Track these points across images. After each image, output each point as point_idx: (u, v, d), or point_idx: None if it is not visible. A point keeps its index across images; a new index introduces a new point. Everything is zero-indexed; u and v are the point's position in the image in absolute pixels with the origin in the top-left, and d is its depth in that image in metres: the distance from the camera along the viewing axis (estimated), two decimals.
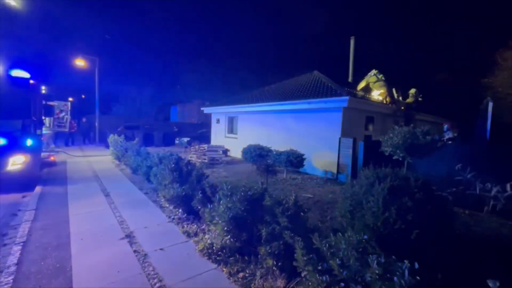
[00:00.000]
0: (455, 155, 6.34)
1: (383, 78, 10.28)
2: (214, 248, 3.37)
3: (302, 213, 2.94)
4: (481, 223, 4.63)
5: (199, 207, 4.16)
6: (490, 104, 11.47)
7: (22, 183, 6.23)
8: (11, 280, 2.74)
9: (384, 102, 10.13)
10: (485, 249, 3.67)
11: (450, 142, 8.50)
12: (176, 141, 18.27)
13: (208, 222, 3.77)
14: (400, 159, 5.49)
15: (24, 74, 6.64)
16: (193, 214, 4.53)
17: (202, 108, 17.19)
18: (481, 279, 1.95)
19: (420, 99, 10.51)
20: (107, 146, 13.51)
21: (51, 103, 8.59)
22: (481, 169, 5.46)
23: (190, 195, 4.48)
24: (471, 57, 22.16)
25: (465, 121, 15.45)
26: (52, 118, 13.92)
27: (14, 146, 6.17)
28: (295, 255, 2.40)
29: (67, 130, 15.86)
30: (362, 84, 10.91)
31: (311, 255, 2.25)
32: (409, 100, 10.58)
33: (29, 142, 6.49)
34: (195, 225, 4.21)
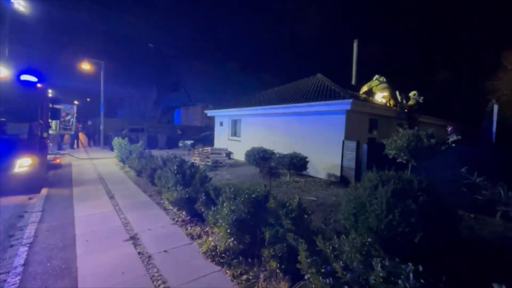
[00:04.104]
0: (460, 159, 6.28)
1: (384, 80, 10.27)
2: (217, 250, 3.38)
3: (305, 216, 2.94)
4: (488, 226, 4.57)
5: (203, 210, 4.18)
6: (495, 107, 11.35)
7: (29, 185, 6.31)
8: (18, 281, 2.78)
9: (388, 104, 10.11)
10: (491, 252, 3.62)
11: (454, 145, 8.41)
12: (180, 144, 18.38)
13: (211, 225, 3.79)
14: (404, 162, 5.46)
15: (32, 78, 6.77)
16: (196, 217, 4.55)
17: (205, 111, 17.31)
18: (487, 282, 1.93)
19: (421, 101, 10.46)
20: (112, 149, 13.65)
21: (57, 106, 8.71)
22: (488, 172, 5.39)
23: (194, 197, 4.50)
24: (476, 60, 22.01)
25: (470, 124, 15.31)
26: (58, 121, 14.13)
27: (21, 148, 6.28)
28: (298, 257, 2.41)
29: (72, 132, 16.09)
30: (364, 89, 10.90)
31: (314, 258, 2.25)
32: (411, 102, 10.55)
33: (36, 144, 6.60)
34: (199, 228, 4.23)
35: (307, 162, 8.13)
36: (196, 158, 11.37)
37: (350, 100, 7.94)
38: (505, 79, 16.71)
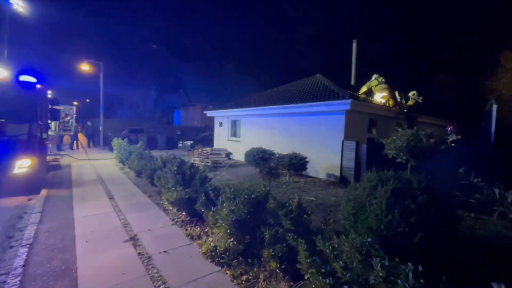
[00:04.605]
0: (460, 158, 6.30)
1: (383, 80, 10.29)
2: (217, 250, 3.38)
3: (305, 216, 2.95)
4: (487, 226, 4.58)
5: (203, 210, 4.17)
6: (494, 107, 11.37)
7: (28, 186, 6.30)
8: (18, 282, 2.77)
9: (387, 104, 10.13)
10: (490, 252, 3.63)
11: (453, 144, 8.44)
12: (180, 145, 18.39)
13: (211, 225, 3.79)
14: (404, 162, 5.47)
15: (31, 79, 6.77)
16: (196, 217, 4.55)
17: (205, 112, 17.31)
18: (486, 281, 1.94)
19: (420, 101, 10.48)
20: (111, 150, 13.65)
21: (57, 107, 8.70)
22: (486, 172, 5.40)
23: (194, 198, 4.50)
24: (475, 59, 22.05)
25: (469, 124, 15.33)
26: (57, 122, 14.13)
27: (20, 149, 6.27)
28: (298, 257, 2.41)
29: (72, 133, 16.07)
30: (363, 89, 10.93)
31: (314, 258, 2.26)
32: (411, 102, 10.58)
33: (35, 145, 6.59)
34: (199, 228, 4.23)
35: (307, 162, 8.14)
36: (195, 158, 11.37)
37: (349, 100, 7.96)
38: (504, 79, 16.75)
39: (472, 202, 5.11)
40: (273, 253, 2.80)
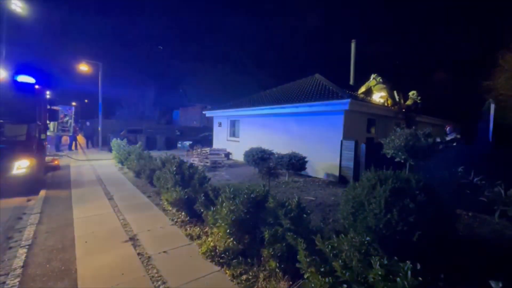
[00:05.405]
0: (458, 157, 6.32)
1: (381, 80, 10.33)
2: (217, 250, 3.39)
3: (304, 215, 2.96)
4: (487, 225, 4.60)
5: (202, 210, 4.18)
6: (492, 106, 11.42)
7: (27, 187, 6.29)
8: (17, 283, 2.77)
9: (386, 104, 10.16)
10: (489, 250, 3.65)
11: (455, 144, 8.47)
12: (179, 145, 18.35)
13: (211, 225, 3.80)
14: (402, 161, 5.49)
15: (30, 80, 6.75)
16: (196, 217, 4.55)
17: (204, 112, 17.31)
18: (483, 279, 1.95)
19: (419, 101, 10.53)
20: (110, 150, 13.62)
21: (55, 107, 8.68)
22: (485, 171, 5.42)
23: (193, 198, 4.51)
24: (473, 59, 22.13)
25: (466, 124, 15.40)
26: (56, 123, 14.10)
27: (19, 150, 6.25)
28: (297, 256, 2.42)
29: (70, 134, 16.04)
30: (362, 89, 10.97)
31: (314, 257, 2.27)
32: (409, 102, 10.62)
33: (33, 146, 6.57)
34: (198, 228, 4.24)
35: (306, 162, 8.16)
36: (195, 158, 11.37)
37: (348, 100, 7.97)
38: (502, 79, 16.80)
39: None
40: (272, 253, 2.80)
